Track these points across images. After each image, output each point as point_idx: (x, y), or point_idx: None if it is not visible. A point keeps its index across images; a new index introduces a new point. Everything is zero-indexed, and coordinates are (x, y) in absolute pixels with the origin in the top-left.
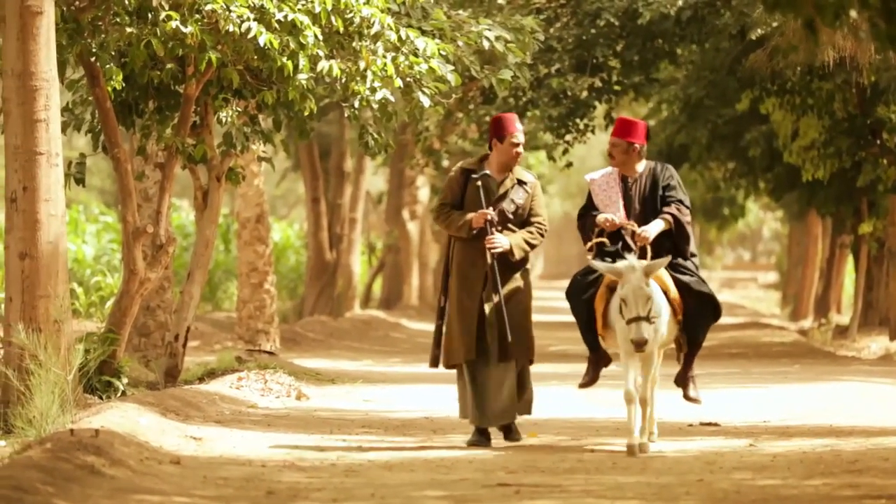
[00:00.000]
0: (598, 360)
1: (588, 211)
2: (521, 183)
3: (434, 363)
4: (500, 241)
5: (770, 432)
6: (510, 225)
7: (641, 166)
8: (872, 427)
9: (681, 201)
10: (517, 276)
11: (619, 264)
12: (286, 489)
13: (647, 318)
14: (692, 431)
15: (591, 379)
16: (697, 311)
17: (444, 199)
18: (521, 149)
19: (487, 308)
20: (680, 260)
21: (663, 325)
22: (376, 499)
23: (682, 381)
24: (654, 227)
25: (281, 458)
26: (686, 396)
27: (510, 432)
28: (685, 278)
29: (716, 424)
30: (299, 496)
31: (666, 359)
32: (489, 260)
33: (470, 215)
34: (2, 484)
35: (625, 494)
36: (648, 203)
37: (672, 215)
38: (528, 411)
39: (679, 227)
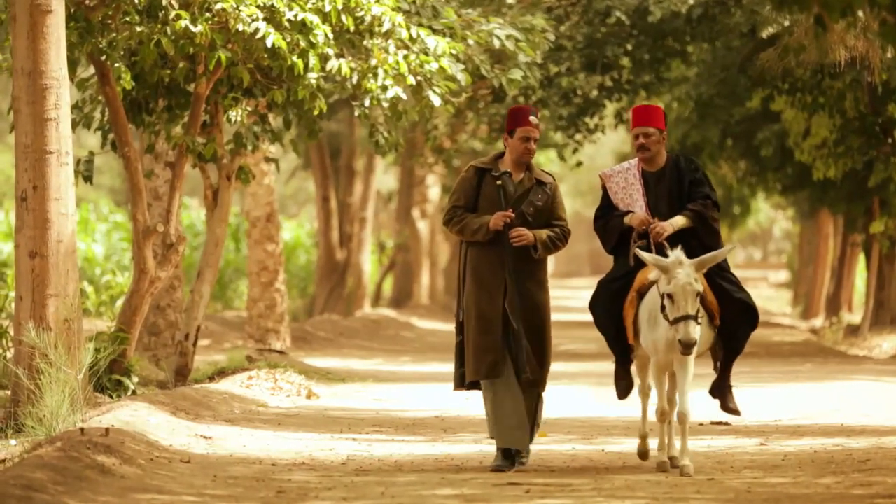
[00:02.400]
0: (626, 374)
1: (607, 211)
2: (540, 183)
3: (460, 384)
4: (525, 232)
5: (781, 431)
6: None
7: (663, 158)
8: (884, 426)
9: (708, 196)
10: (536, 288)
11: (666, 260)
12: (296, 488)
13: (696, 318)
14: (703, 430)
15: (626, 387)
16: (736, 319)
17: (456, 202)
18: (533, 144)
19: (514, 320)
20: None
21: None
22: (386, 498)
23: (720, 391)
24: (673, 223)
25: (291, 456)
26: (725, 408)
27: (513, 459)
28: (724, 284)
29: (726, 423)
30: (309, 495)
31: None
32: (508, 263)
33: (487, 217)
34: (13, 483)
35: (635, 494)
36: (675, 199)
37: (695, 211)
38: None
39: (705, 225)
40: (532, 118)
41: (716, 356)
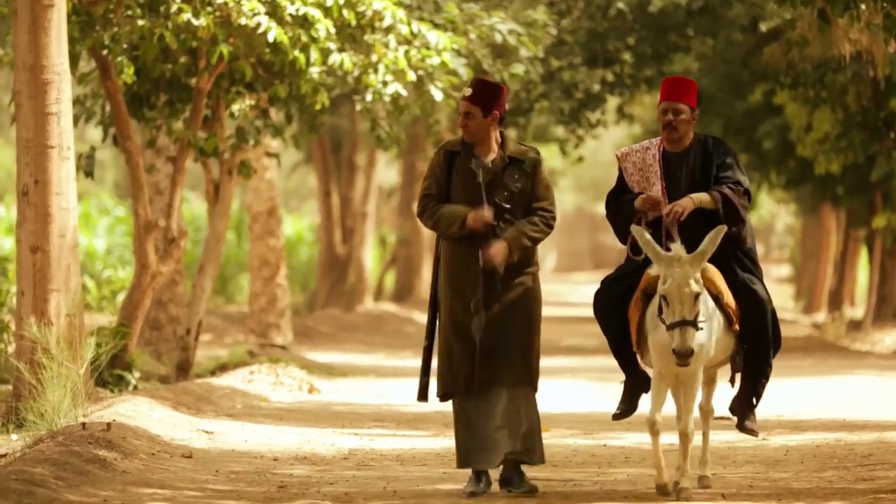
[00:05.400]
0: (634, 385)
1: (620, 195)
2: (515, 161)
3: (423, 395)
4: (496, 249)
5: (783, 426)
6: (507, 216)
7: (689, 139)
8: (886, 421)
9: (739, 183)
10: (522, 279)
11: (663, 253)
12: (298, 483)
13: (694, 323)
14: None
15: (626, 409)
16: (751, 324)
17: (427, 190)
18: (466, 119)
19: (474, 323)
20: (738, 253)
21: (712, 338)
22: (388, 492)
23: (739, 407)
24: (694, 198)
25: (293, 451)
26: (741, 427)
27: (511, 481)
28: (745, 276)
29: (728, 418)
30: (311, 490)
31: None
32: (481, 263)
33: (462, 210)
34: (14, 477)
35: (637, 489)
36: (697, 185)
37: (723, 194)
38: (534, 458)
39: (731, 212)
40: (466, 89)
41: (735, 367)
